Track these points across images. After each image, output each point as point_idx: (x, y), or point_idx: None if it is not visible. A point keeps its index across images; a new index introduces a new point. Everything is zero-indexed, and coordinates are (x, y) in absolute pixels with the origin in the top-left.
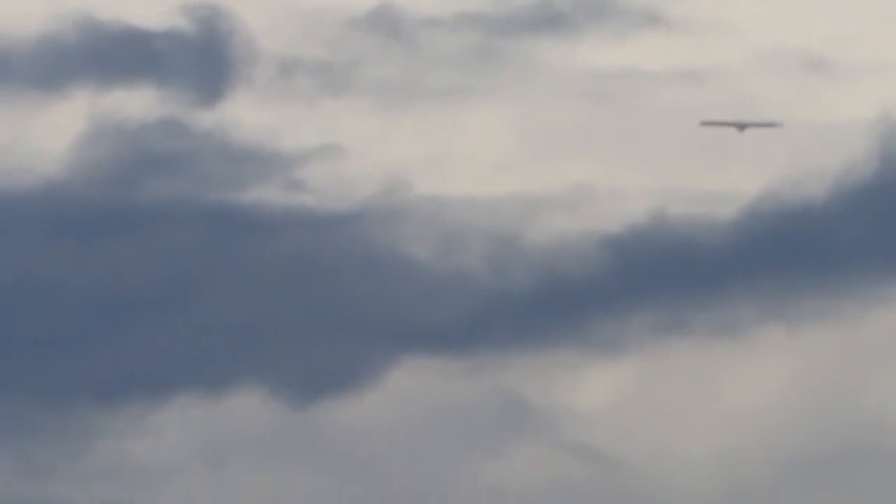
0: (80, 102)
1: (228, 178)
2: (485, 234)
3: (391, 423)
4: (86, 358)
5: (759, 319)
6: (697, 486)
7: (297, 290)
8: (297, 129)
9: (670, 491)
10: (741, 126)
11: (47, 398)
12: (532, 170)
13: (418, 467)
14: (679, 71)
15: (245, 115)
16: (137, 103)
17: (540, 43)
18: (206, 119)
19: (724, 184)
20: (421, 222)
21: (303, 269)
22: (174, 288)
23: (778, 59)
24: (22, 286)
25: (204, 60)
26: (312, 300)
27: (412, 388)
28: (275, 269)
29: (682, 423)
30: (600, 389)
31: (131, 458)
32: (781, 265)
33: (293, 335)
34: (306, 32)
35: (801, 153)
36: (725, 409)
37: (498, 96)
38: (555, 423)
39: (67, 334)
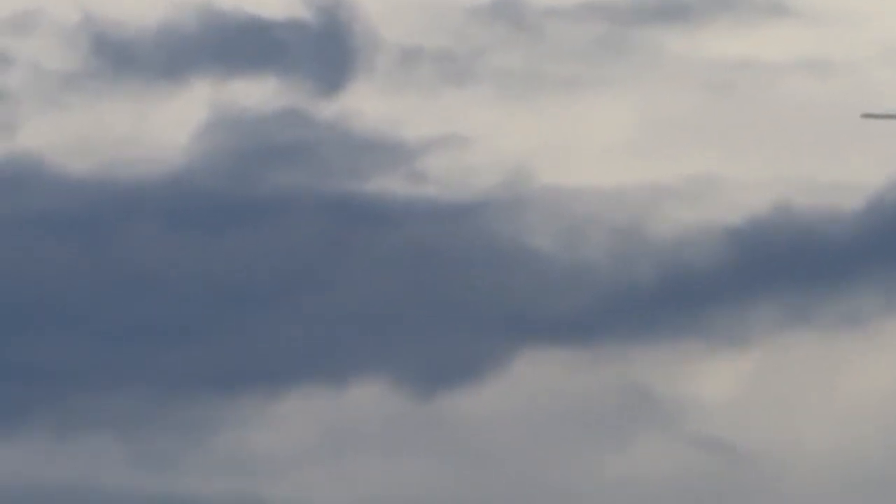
0: (200, 93)
1: (350, 169)
2: (607, 224)
3: (514, 414)
4: (208, 348)
5: (883, 310)
6: (822, 478)
7: (420, 281)
8: (419, 119)
9: (795, 482)
10: None
11: (168, 389)
12: (655, 160)
13: (541, 459)
14: (803, 61)
15: (366, 106)
16: (258, 94)
17: (663, 33)
18: (328, 109)
19: (848, 175)
20: (543, 213)
21: (425, 260)
22: (296, 278)
23: None
24: (144, 277)
25: (325, 50)
26: (435, 291)
27: (535, 380)
28: (397, 259)
29: (807, 414)
30: (724, 381)
31: (253, 448)
32: None
33: (416, 326)
34: (428, 22)
35: None
36: (850, 401)
37: (621, 86)
38: (679, 414)
39: (188, 324)
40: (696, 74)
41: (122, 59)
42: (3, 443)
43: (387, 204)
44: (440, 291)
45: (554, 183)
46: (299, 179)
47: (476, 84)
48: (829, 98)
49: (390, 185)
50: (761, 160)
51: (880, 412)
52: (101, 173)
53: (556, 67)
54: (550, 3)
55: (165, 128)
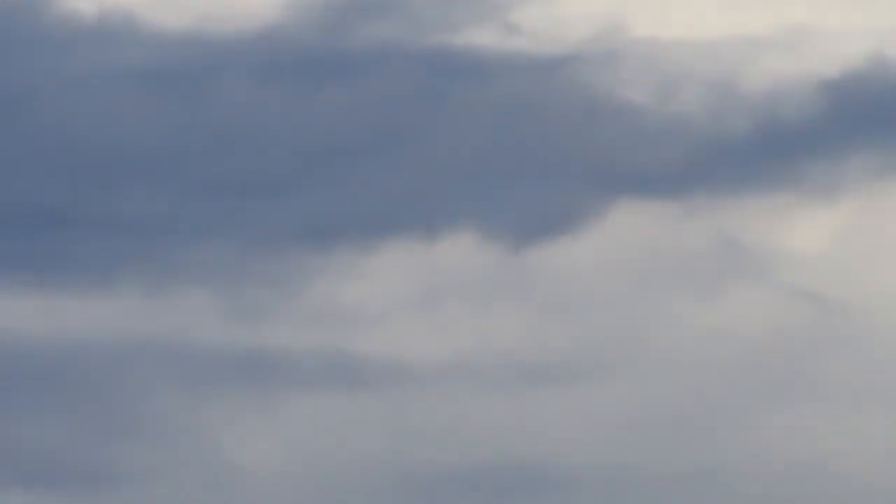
0: None
1: (443, 22)
2: (700, 77)
3: (606, 266)
4: (299, 202)
5: None
6: None
7: (512, 134)
8: None
9: (886, 333)
10: None
11: (259, 243)
12: (750, 12)
13: (632, 311)
14: None
15: None
16: None
17: None
18: None
19: None
20: (636, 66)
21: (517, 113)
22: (388, 132)
23: None
24: (236, 131)
25: None
26: (527, 144)
27: (626, 232)
28: (490, 112)
29: None
30: (817, 232)
31: (344, 300)
32: None
33: (508, 179)
34: None
35: None
36: None
37: None
38: (771, 266)
39: (280, 178)
40: None
41: None
42: (94, 299)
43: (479, 56)
44: (532, 144)
45: (647, 35)
46: (392, 32)
47: None
48: None
49: (482, 37)
50: (855, 10)
51: None
52: (192, 28)
53: None
54: None
55: None
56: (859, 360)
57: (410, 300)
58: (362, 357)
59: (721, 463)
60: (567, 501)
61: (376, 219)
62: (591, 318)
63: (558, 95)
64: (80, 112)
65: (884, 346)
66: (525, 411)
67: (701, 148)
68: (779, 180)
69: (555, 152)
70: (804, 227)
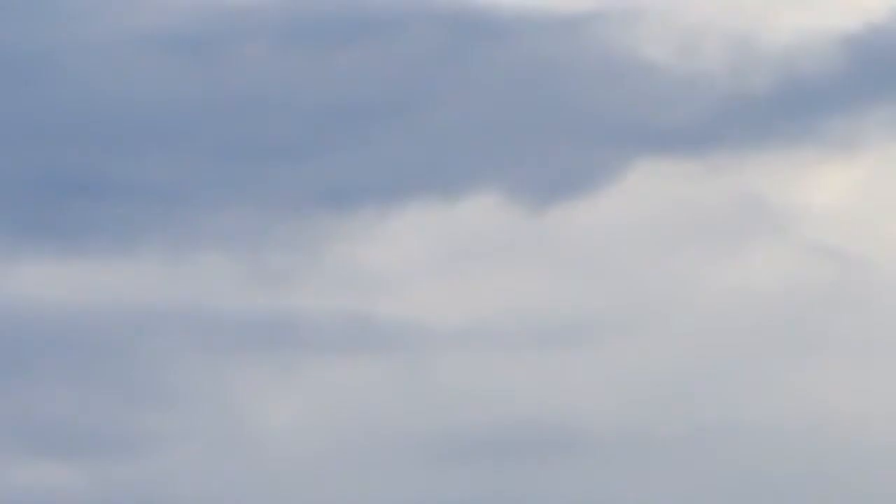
0: None
1: None
2: (721, 32)
3: (627, 226)
4: (318, 165)
5: None
6: None
7: (532, 94)
8: None
9: None
10: None
11: (278, 206)
12: None
13: (655, 271)
14: None
15: None
16: None
17: None
18: None
19: None
20: (656, 23)
21: (538, 72)
22: (407, 93)
23: None
24: (255, 94)
25: None
26: (547, 104)
27: (649, 191)
28: (508, 71)
29: None
30: (838, 187)
31: (364, 264)
32: None
33: (528, 139)
34: None
35: None
36: None
37: None
38: (793, 222)
39: (299, 141)
40: None
41: None
42: (115, 264)
43: (499, 16)
44: (552, 104)
45: None
46: None
47: None
48: None
49: None
50: None
51: None
52: None
53: None
54: None
55: None
56: (881, 315)
57: (431, 263)
58: (383, 321)
59: (743, 421)
60: (589, 463)
61: (396, 182)
62: (613, 278)
63: (578, 54)
64: (101, 78)
65: None
66: (547, 373)
67: (721, 105)
68: (800, 136)
69: (575, 112)
70: (825, 182)
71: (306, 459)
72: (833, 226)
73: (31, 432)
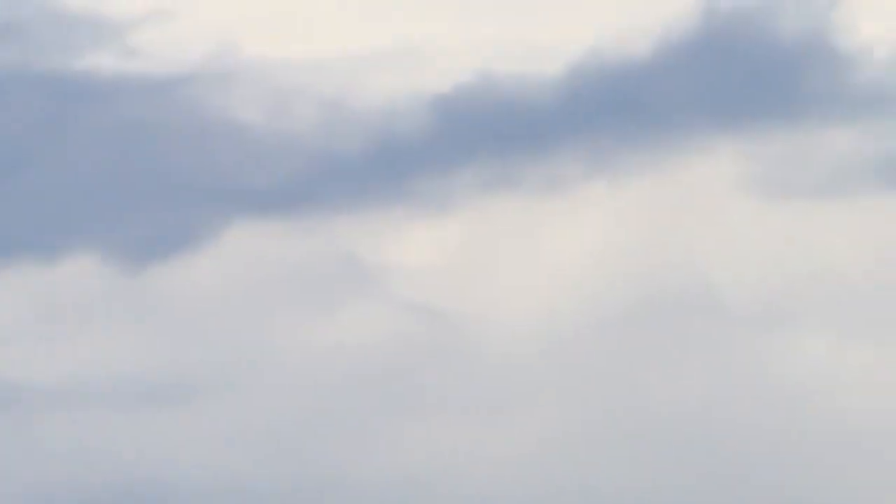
0: None
1: (63, 46)
2: (314, 95)
3: (224, 286)
4: None
5: (584, 175)
6: (523, 339)
7: (130, 156)
8: None
9: (497, 344)
10: None
11: None
12: (361, 30)
13: (253, 329)
14: None
15: None
16: None
17: None
18: None
19: (549, 39)
20: (250, 85)
21: (135, 135)
22: (5, 157)
23: None
24: None
25: None
26: (145, 165)
27: (244, 251)
28: (106, 134)
29: (509, 278)
30: (429, 246)
31: None
32: (605, 122)
33: (125, 200)
34: None
35: (625, 9)
36: (552, 265)
37: None
38: (385, 279)
39: None
40: None
41: None
42: None
43: (97, 80)
44: (149, 165)
45: (259, 55)
46: (9, 57)
47: None
48: None
49: (102, 60)
50: (465, 26)
51: (580, 275)
52: None
53: None
54: None
55: None
56: (473, 368)
57: (30, 323)
58: None
59: (343, 475)
60: None
61: None
62: (208, 337)
63: (174, 116)
64: None
65: (494, 356)
66: (146, 432)
67: (314, 166)
68: (391, 195)
69: (171, 173)
70: (416, 240)
71: None
72: (425, 283)
73: None
